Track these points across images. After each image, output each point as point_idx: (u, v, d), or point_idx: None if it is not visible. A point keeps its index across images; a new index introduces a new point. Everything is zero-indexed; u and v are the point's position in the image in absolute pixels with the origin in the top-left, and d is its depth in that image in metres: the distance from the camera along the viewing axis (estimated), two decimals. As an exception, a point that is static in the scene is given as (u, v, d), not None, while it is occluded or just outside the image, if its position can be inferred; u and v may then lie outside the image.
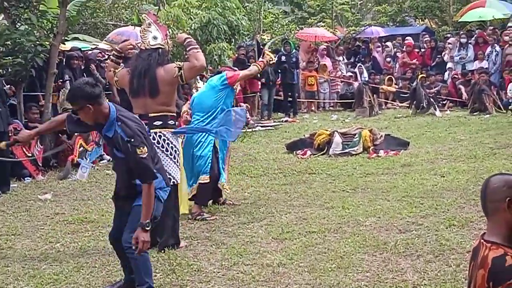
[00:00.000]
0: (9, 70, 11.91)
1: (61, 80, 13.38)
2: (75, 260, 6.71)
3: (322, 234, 7.21)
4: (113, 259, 6.46)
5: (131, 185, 5.48)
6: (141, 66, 6.96)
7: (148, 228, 5.15)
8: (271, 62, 9.18)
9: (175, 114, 7.15)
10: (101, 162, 12.63)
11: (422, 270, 5.97)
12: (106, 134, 5.31)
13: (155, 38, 7.07)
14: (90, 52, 15.97)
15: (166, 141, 6.90)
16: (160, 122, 6.90)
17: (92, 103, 5.17)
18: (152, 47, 7.02)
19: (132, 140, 5.13)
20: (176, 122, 7.30)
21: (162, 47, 7.06)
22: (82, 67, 14.33)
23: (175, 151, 6.97)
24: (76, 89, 5.33)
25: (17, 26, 12.51)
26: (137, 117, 5.49)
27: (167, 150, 6.90)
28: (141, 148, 5.12)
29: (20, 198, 9.97)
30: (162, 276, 6.15)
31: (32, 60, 12.08)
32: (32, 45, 12.05)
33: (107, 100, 5.49)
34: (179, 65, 6.99)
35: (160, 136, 6.87)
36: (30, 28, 12.48)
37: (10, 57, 11.87)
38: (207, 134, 8.32)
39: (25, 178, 11.27)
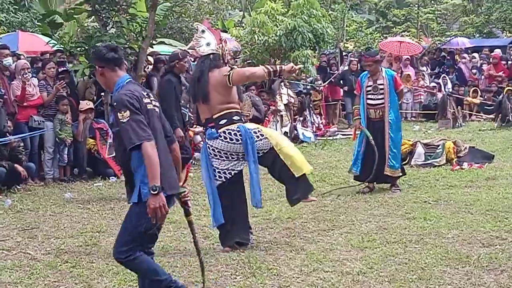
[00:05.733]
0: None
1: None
2: (157, 259, 6.76)
3: (403, 245, 7.15)
4: (194, 260, 6.58)
5: (126, 167, 5.15)
6: (195, 74, 7.24)
7: (155, 192, 4.74)
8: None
9: (239, 109, 7.26)
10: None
11: (506, 285, 5.87)
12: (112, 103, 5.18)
13: (208, 44, 7.21)
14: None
15: (235, 134, 7.01)
16: (225, 120, 7.04)
17: (103, 66, 5.06)
18: (204, 53, 7.17)
19: (115, 104, 4.94)
20: (243, 118, 7.42)
21: (215, 52, 7.17)
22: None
23: (249, 138, 7.01)
24: (94, 50, 5.30)
25: (107, 29, 12.82)
26: (150, 94, 5.20)
27: (237, 140, 7.02)
28: (122, 112, 4.81)
29: (105, 196, 10.25)
30: (242, 278, 6.22)
31: (121, 63, 12.34)
32: (122, 48, 12.30)
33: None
34: (233, 67, 7.19)
35: (229, 133, 7.03)
36: (120, 31, 12.78)
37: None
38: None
39: (110, 177, 11.58)
